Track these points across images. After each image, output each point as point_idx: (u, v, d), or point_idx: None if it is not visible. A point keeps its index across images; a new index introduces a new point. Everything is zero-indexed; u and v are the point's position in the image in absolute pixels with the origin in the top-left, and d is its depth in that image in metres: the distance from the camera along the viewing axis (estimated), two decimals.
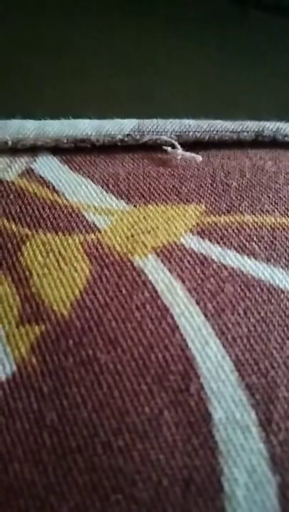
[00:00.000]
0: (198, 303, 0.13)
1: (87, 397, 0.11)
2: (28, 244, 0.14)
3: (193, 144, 0.17)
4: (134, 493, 0.10)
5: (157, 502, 0.10)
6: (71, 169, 0.17)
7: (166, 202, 0.15)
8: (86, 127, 0.17)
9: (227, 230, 0.14)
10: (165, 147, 0.17)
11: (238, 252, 0.14)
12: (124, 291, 0.13)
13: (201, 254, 0.14)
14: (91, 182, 0.16)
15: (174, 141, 0.17)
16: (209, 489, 0.11)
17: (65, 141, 0.17)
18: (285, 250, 0.14)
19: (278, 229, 0.14)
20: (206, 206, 0.15)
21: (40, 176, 0.16)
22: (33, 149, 0.17)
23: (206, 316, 0.12)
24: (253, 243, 0.14)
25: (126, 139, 0.17)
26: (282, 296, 0.13)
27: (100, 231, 0.14)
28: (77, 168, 0.17)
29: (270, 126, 0.17)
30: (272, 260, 0.14)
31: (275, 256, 0.14)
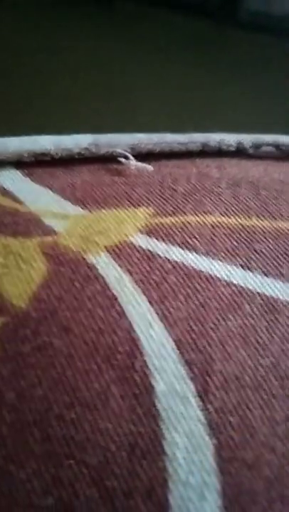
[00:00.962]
0: (143, 292, 0.14)
1: (43, 377, 0.13)
2: None
3: (145, 156, 0.19)
4: (84, 459, 0.12)
5: (106, 465, 0.12)
6: (32, 180, 0.19)
7: (118, 206, 0.17)
8: (46, 142, 0.19)
9: (172, 229, 0.16)
10: (119, 158, 0.19)
11: (181, 247, 0.16)
12: (77, 284, 0.15)
13: (148, 250, 0.15)
14: (50, 191, 0.18)
15: (127, 153, 0.19)
16: (152, 452, 0.12)
17: (26, 155, 0.19)
18: (223, 245, 0.16)
19: (218, 227, 0.16)
20: (154, 209, 0.17)
21: (4, 188, 0.18)
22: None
23: (150, 303, 0.14)
24: (195, 239, 0.16)
25: (83, 152, 0.19)
26: (218, 283, 0.15)
27: (56, 234, 0.16)
28: (38, 179, 0.19)
29: (216, 138, 0.20)
30: (211, 254, 0.15)
31: (214, 250, 0.16)
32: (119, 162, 0.19)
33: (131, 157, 0.19)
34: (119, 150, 0.19)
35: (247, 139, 0.20)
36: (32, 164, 0.19)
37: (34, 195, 0.18)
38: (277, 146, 0.20)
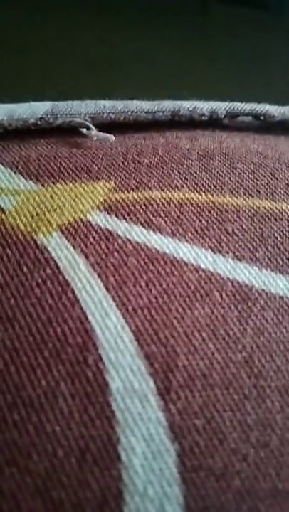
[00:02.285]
0: (100, 276, 0.13)
1: None
2: None
3: (109, 126, 0.18)
4: (28, 466, 0.11)
5: (52, 473, 0.11)
6: None
7: (75, 180, 0.16)
8: None
9: (134, 206, 0.15)
10: (80, 129, 0.18)
11: (144, 227, 0.14)
12: (25, 269, 0.13)
13: (107, 229, 0.14)
14: (0, 165, 0.17)
15: (88, 123, 0.18)
16: (106, 458, 0.11)
17: None
18: (191, 224, 0.15)
19: (186, 204, 0.15)
20: (114, 183, 0.16)
21: None
22: None
23: (107, 289, 0.13)
24: (160, 218, 0.15)
25: (39, 122, 0.18)
26: (185, 268, 0.14)
27: (4, 212, 0.15)
28: None
29: (187, 106, 0.18)
30: (177, 234, 0.14)
31: (180, 230, 0.14)
32: (80, 133, 0.18)
33: (92, 127, 0.18)
34: (78, 120, 0.18)
35: (221, 107, 0.18)
36: None
37: None
38: (256, 115, 0.19)
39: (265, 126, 0.19)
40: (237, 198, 0.16)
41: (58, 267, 0.13)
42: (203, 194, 0.16)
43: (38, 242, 0.14)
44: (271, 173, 0.17)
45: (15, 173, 0.16)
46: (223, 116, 0.19)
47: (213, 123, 0.19)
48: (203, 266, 0.14)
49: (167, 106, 0.18)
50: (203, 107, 0.18)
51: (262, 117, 0.19)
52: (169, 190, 0.16)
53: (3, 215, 0.15)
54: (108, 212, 0.15)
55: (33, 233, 0.14)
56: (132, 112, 0.18)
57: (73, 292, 0.13)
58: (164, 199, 0.15)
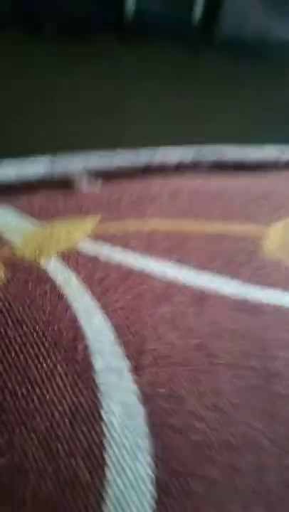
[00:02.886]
0: (87, 288, 0.17)
1: None
2: None
3: (96, 175, 0.22)
4: (33, 426, 0.14)
5: (51, 430, 0.14)
6: None
7: (69, 218, 0.20)
8: (8, 172, 0.22)
9: (115, 234, 0.19)
10: (73, 180, 0.22)
11: (122, 249, 0.18)
12: (30, 285, 0.17)
13: (93, 253, 0.18)
14: (11, 211, 0.21)
15: (80, 177, 0.22)
16: (91, 419, 0.15)
17: None
18: (160, 245, 0.19)
19: (156, 230, 0.19)
20: (100, 217, 0.20)
21: None
22: None
23: (93, 296, 0.17)
24: (134, 241, 0.19)
25: (41, 178, 0.22)
26: (153, 278, 0.17)
27: (14, 245, 0.19)
28: (1, 201, 0.22)
29: (161, 153, 0.23)
30: (148, 253, 0.18)
31: (151, 250, 0.18)
32: (73, 182, 0.22)
33: (83, 180, 0.22)
34: (71, 175, 0.22)
35: (188, 154, 0.23)
36: None
37: None
38: (217, 157, 0.23)
39: (225, 166, 0.23)
40: (197, 223, 0.20)
41: (55, 283, 0.17)
42: (169, 222, 0.20)
43: (41, 266, 0.18)
44: (226, 203, 0.21)
45: (22, 216, 0.20)
46: (190, 159, 0.23)
47: (181, 166, 0.23)
48: (168, 276, 0.18)
49: (144, 155, 0.23)
50: (174, 153, 0.23)
51: (222, 159, 0.23)
52: (142, 220, 0.20)
53: (13, 247, 0.19)
54: (94, 240, 0.19)
55: (37, 260, 0.18)
56: (116, 162, 0.22)
57: (67, 300, 0.17)
58: (139, 227, 0.19)
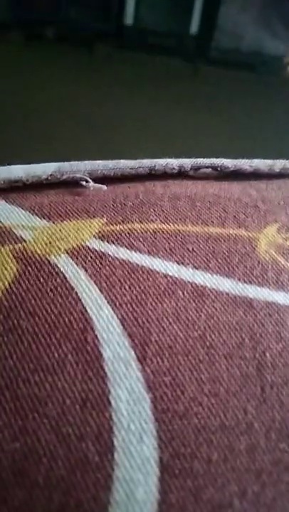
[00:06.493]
0: (95, 283, 0.17)
1: (13, 351, 0.16)
2: None
3: (102, 179, 0.23)
4: (46, 412, 0.15)
5: (62, 415, 0.15)
6: (7, 202, 0.22)
7: (77, 218, 0.20)
8: (18, 171, 0.22)
9: (120, 234, 0.19)
10: (80, 182, 0.22)
11: (128, 248, 0.19)
12: (41, 279, 0.18)
13: (101, 251, 0.19)
14: (21, 209, 0.21)
15: (86, 177, 0.22)
16: (100, 404, 0.15)
17: (2, 182, 0.22)
18: (162, 246, 0.19)
19: (158, 232, 0.19)
20: (106, 219, 0.20)
21: None
22: None
23: (101, 291, 0.17)
24: (139, 242, 0.19)
25: (49, 177, 0.22)
26: (157, 275, 0.18)
27: (25, 241, 0.19)
28: (12, 201, 0.22)
29: (161, 162, 0.23)
30: (152, 253, 0.19)
31: (154, 250, 0.19)
32: (80, 185, 0.22)
33: (90, 180, 0.22)
34: (79, 175, 0.22)
35: (188, 162, 0.23)
36: (7, 190, 0.22)
37: (8, 213, 0.21)
38: (214, 167, 0.23)
39: (222, 175, 0.24)
40: (196, 226, 0.20)
41: (65, 278, 0.18)
42: (171, 224, 0.20)
43: (51, 262, 0.18)
44: (222, 208, 0.21)
45: (32, 214, 0.21)
46: (189, 169, 0.23)
47: (181, 174, 0.23)
48: (170, 273, 0.18)
49: (146, 163, 0.23)
50: (174, 162, 0.23)
51: (219, 168, 0.23)
52: (146, 223, 0.20)
53: (25, 244, 0.19)
54: (102, 239, 0.19)
55: (47, 255, 0.19)
56: (120, 168, 0.23)
57: (76, 294, 0.17)
58: (142, 229, 0.20)
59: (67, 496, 0.14)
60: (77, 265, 0.18)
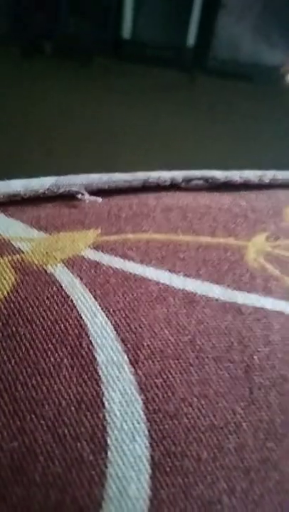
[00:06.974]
0: (90, 291, 0.18)
1: (11, 356, 0.16)
2: None
3: (97, 191, 0.23)
4: (42, 413, 0.15)
5: (58, 417, 0.15)
6: (6, 216, 0.23)
7: (72, 229, 0.21)
8: (17, 185, 0.23)
9: (114, 244, 0.20)
10: (76, 195, 0.23)
11: (121, 257, 0.19)
12: (38, 288, 0.18)
13: (95, 261, 0.19)
14: (20, 222, 0.22)
15: (82, 191, 0.23)
16: (94, 406, 0.16)
17: (2, 196, 0.23)
18: (154, 255, 0.20)
19: (151, 242, 0.20)
20: (101, 230, 0.21)
21: None
22: None
23: (95, 298, 0.18)
24: (132, 251, 0.20)
25: (46, 192, 0.23)
26: (149, 283, 0.19)
27: (23, 252, 0.20)
28: (11, 214, 0.23)
29: (154, 175, 0.24)
30: (144, 262, 0.19)
31: (146, 259, 0.20)
32: (76, 197, 0.23)
33: (85, 193, 0.23)
34: (75, 189, 0.23)
35: (179, 175, 0.24)
36: (6, 203, 0.23)
37: (7, 226, 0.22)
38: (205, 179, 0.24)
39: (213, 186, 0.25)
40: (187, 236, 0.21)
41: (61, 286, 0.18)
42: (163, 234, 0.21)
43: (48, 271, 0.19)
44: (213, 218, 0.22)
45: (30, 227, 0.22)
46: (180, 181, 0.24)
47: (173, 186, 0.24)
48: (162, 281, 0.19)
49: (140, 176, 0.24)
50: (166, 175, 0.24)
51: (210, 180, 0.24)
52: (139, 233, 0.21)
53: (23, 254, 0.20)
54: (96, 249, 0.20)
55: (44, 265, 0.19)
56: (114, 181, 0.24)
57: (72, 302, 0.18)
58: (136, 239, 0.20)
59: (63, 493, 0.14)
60: (73, 274, 0.19)
